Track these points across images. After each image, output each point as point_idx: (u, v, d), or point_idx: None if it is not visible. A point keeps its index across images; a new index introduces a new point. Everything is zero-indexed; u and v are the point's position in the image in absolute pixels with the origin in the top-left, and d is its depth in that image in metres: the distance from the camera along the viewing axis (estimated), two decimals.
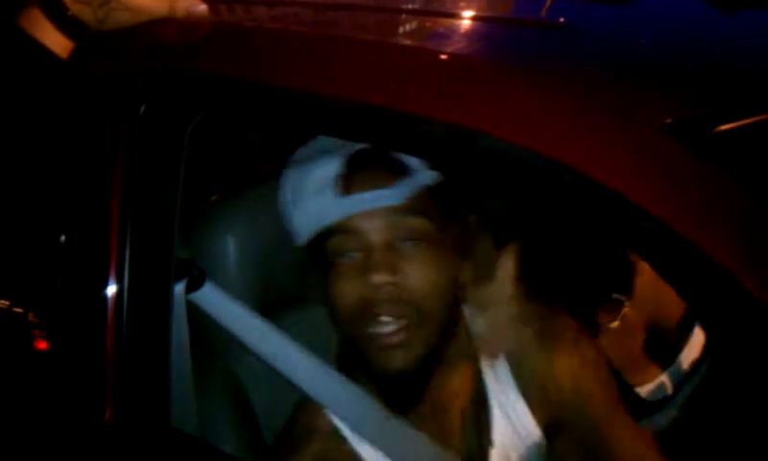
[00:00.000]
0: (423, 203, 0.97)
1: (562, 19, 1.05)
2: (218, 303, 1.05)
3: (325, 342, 1.08)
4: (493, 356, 1.07)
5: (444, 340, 1.00)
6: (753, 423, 0.69)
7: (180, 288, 1.00)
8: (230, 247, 1.14)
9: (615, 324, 1.38)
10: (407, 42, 0.99)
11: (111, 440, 0.99)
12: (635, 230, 0.70)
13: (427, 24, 1.07)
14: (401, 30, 1.06)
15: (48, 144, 1.00)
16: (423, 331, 0.97)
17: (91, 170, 1.01)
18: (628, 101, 0.77)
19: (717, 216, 0.68)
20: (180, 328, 1.01)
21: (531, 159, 0.74)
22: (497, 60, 0.86)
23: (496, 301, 1.10)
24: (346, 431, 1.02)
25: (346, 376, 1.04)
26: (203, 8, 1.00)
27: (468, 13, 1.06)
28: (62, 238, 1.01)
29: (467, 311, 1.08)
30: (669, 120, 0.72)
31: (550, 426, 1.05)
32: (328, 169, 0.99)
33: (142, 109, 0.98)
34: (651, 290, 1.38)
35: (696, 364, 1.40)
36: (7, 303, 1.08)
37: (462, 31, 1.02)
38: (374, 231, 0.96)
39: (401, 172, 0.97)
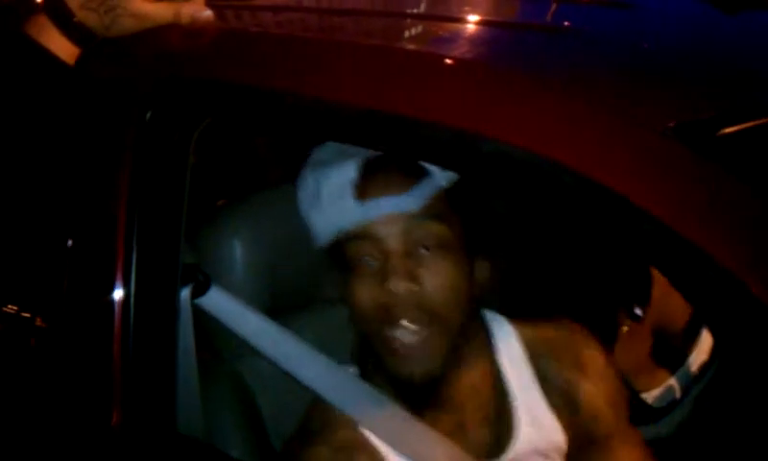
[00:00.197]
0: (440, 206, 0.97)
1: (566, 23, 1.05)
2: (226, 306, 1.05)
3: (334, 345, 1.08)
4: None
5: (464, 341, 1.01)
6: (756, 425, 0.68)
7: (185, 293, 1.01)
8: (237, 252, 1.14)
9: (623, 329, 1.38)
10: (412, 47, 1.00)
11: (118, 444, 0.99)
12: (638, 233, 0.70)
13: (432, 28, 1.07)
14: (406, 34, 1.06)
15: (55, 150, 1.01)
16: (444, 337, 0.97)
17: (98, 176, 1.02)
18: (631, 104, 0.77)
19: (721, 218, 0.68)
20: (187, 333, 1.01)
21: (534, 162, 0.74)
22: (501, 63, 0.86)
23: None
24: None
25: (364, 374, 1.05)
26: (208, 14, 1.00)
27: (472, 18, 1.06)
28: (70, 243, 1.01)
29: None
30: (672, 123, 0.72)
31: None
32: (346, 173, 0.98)
33: (148, 115, 0.98)
34: (658, 295, 1.38)
35: (704, 368, 1.40)
36: (15, 307, 1.08)
37: (466, 35, 1.02)
38: (392, 237, 0.96)
39: (418, 175, 0.97)
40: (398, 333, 0.95)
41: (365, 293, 0.97)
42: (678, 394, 1.40)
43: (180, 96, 0.99)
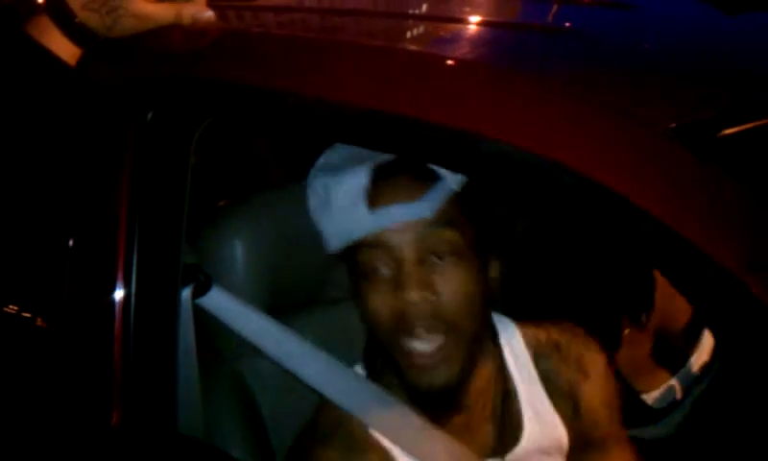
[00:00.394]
0: (452, 212, 0.95)
1: (567, 24, 1.05)
2: (227, 306, 1.05)
3: (335, 345, 1.08)
4: None
5: (479, 348, 1.00)
6: (756, 425, 0.68)
7: (186, 293, 1.01)
8: (238, 252, 1.14)
9: (626, 332, 1.38)
10: (413, 47, 1.00)
11: (119, 444, 0.99)
12: (638, 233, 0.70)
13: (432, 29, 1.07)
14: (408, 35, 1.06)
15: (56, 150, 1.01)
16: (460, 345, 0.96)
17: (99, 176, 1.02)
18: (632, 105, 0.77)
19: (721, 219, 0.68)
20: (187, 333, 1.01)
21: (535, 162, 0.74)
22: (502, 64, 0.86)
23: None
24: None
25: (371, 373, 1.05)
26: (209, 14, 1.00)
27: (473, 18, 1.06)
28: (71, 243, 1.01)
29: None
30: (673, 124, 0.72)
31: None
32: (357, 180, 0.96)
33: (149, 115, 0.98)
34: (659, 296, 1.38)
35: (705, 369, 1.40)
36: (15, 307, 1.08)
37: (467, 36, 1.02)
38: (405, 245, 0.94)
39: (430, 180, 0.95)
40: (416, 344, 0.94)
41: (378, 302, 0.95)
42: (679, 394, 1.40)
43: (182, 96, 0.99)
